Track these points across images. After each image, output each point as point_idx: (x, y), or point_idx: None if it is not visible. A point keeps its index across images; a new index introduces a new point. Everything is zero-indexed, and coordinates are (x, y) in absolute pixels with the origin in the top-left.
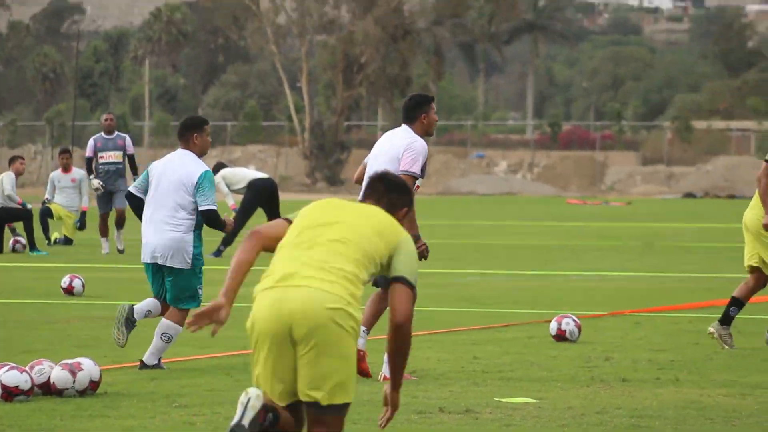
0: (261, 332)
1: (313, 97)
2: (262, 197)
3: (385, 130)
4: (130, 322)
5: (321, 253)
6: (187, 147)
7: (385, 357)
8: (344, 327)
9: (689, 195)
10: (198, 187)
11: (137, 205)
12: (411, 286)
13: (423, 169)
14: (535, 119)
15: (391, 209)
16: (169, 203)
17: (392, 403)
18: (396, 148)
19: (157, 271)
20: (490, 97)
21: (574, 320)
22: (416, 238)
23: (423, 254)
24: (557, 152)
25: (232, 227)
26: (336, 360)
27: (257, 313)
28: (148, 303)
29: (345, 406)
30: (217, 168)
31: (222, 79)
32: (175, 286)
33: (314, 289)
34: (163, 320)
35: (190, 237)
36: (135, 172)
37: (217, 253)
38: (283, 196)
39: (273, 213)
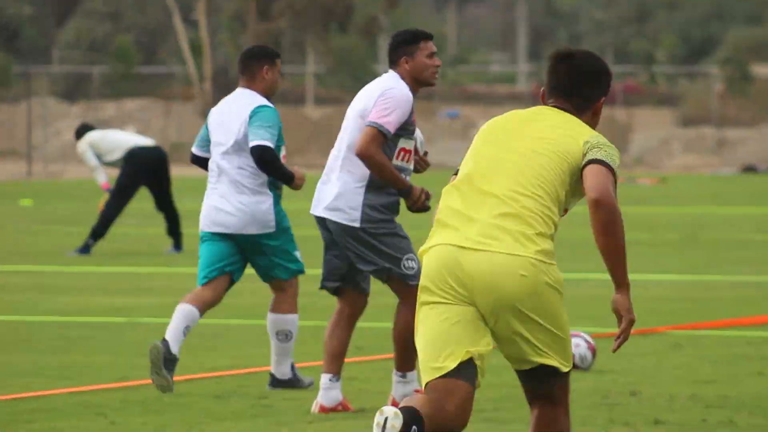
0: None
1: (215, 33)
2: (146, 172)
3: (318, 77)
4: (170, 363)
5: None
6: (250, 84)
7: (394, 376)
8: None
9: (748, 169)
10: (249, 121)
11: (205, 166)
12: (609, 167)
13: (405, 128)
14: (530, 63)
15: (584, 106)
16: (234, 158)
17: (624, 310)
18: (366, 100)
19: (218, 241)
20: (466, 33)
21: (586, 340)
22: (409, 191)
23: (424, 204)
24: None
25: (105, 213)
26: None
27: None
28: (178, 320)
29: None
30: (82, 131)
31: (85, 7)
32: (264, 256)
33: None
34: (271, 315)
35: (267, 195)
36: None
37: (85, 249)
38: (176, 171)
39: (162, 194)
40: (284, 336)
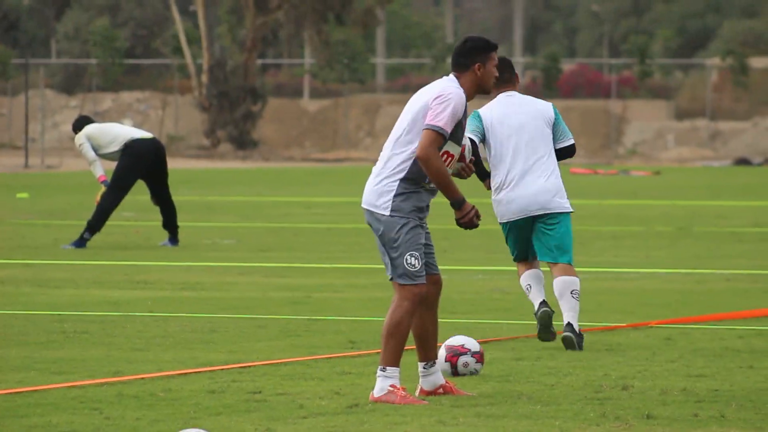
0: None
1: (212, 26)
2: (144, 165)
3: (313, 70)
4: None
5: None
6: (516, 87)
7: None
8: None
9: (742, 161)
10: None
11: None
12: None
13: (456, 133)
14: (526, 56)
15: None
16: (539, 148)
17: None
18: (423, 101)
19: (522, 228)
20: (462, 26)
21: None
22: (460, 203)
23: (472, 221)
24: (557, 102)
25: (102, 206)
26: None
27: None
28: (536, 285)
29: None
30: (80, 124)
31: None
32: (559, 233)
33: None
34: (561, 278)
35: (560, 178)
36: None
37: (80, 243)
38: (173, 164)
39: (159, 187)
40: (577, 294)
